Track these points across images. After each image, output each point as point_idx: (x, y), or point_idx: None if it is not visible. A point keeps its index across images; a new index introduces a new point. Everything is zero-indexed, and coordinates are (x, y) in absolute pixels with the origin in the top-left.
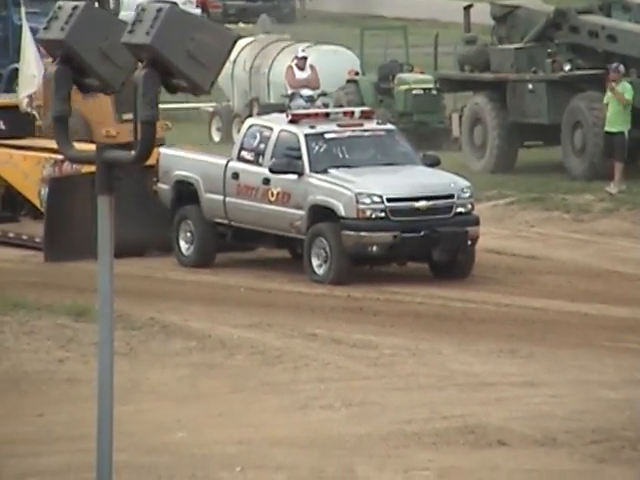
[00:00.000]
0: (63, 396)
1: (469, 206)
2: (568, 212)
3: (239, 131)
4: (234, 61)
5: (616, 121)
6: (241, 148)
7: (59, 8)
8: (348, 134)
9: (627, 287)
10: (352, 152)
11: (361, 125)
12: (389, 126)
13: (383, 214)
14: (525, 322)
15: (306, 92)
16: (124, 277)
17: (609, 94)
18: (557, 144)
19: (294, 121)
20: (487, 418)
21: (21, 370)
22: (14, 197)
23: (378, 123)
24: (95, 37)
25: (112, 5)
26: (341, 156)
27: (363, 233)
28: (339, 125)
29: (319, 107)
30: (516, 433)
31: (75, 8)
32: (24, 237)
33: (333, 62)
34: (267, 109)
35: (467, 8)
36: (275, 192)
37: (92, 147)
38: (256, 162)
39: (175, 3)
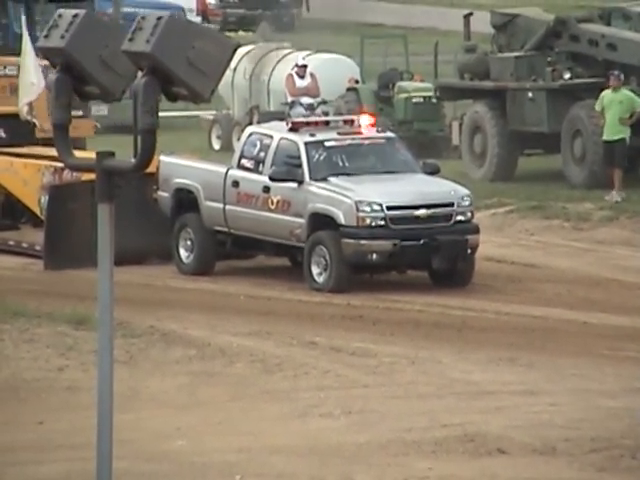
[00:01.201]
0: (63, 404)
1: (469, 214)
2: (568, 220)
3: (239, 139)
4: (234, 69)
5: (615, 129)
6: (241, 156)
7: (59, 16)
8: (348, 142)
9: (627, 295)
10: (352, 160)
11: (361, 133)
12: (389, 134)
13: (383, 222)
14: (525, 331)
15: (306, 100)
16: (124, 285)
17: (607, 102)
18: (557, 152)
19: (294, 129)
20: (487, 427)
21: (21, 378)
22: (14, 205)
23: (378, 131)
24: (95, 45)
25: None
26: (341, 164)
27: (363, 241)
28: (339, 133)
29: (319, 115)
30: (515, 442)
31: (75, 16)
32: (24, 245)
33: (333, 70)
34: (267, 117)
35: (467, 16)
36: (275, 200)
37: (92, 155)
38: (256, 170)
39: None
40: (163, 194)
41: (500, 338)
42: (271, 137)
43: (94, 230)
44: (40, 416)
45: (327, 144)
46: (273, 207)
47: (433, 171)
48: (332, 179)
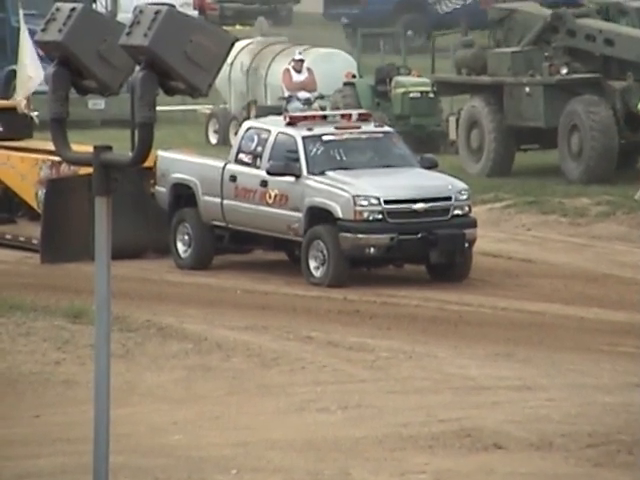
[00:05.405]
0: (59, 398)
1: (466, 208)
2: (565, 216)
3: (236, 134)
4: (231, 63)
5: None
6: (239, 150)
7: (57, 10)
8: (345, 136)
9: (624, 291)
10: (349, 154)
11: (358, 127)
12: (386, 128)
13: (380, 216)
14: (522, 326)
15: (303, 95)
16: (121, 279)
17: None
18: (554, 147)
19: (291, 123)
20: (483, 422)
21: (17, 372)
22: (11, 199)
23: (375, 125)
24: (93, 39)
25: (110, 7)
26: (338, 158)
27: (360, 235)
28: (336, 127)
29: (316, 110)
30: (512, 437)
31: (73, 10)
32: (21, 239)
33: (330, 65)
34: (264, 111)
35: None
36: (273, 194)
37: (90, 149)
38: (254, 164)
39: (173, 5)
40: (161, 189)
41: (497, 333)
42: (269, 131)
43: (91, 224)
44: (37, 410)
45: (325, 138)
46: (271, 201)
47: (431, 165)
48: (330, 173)
